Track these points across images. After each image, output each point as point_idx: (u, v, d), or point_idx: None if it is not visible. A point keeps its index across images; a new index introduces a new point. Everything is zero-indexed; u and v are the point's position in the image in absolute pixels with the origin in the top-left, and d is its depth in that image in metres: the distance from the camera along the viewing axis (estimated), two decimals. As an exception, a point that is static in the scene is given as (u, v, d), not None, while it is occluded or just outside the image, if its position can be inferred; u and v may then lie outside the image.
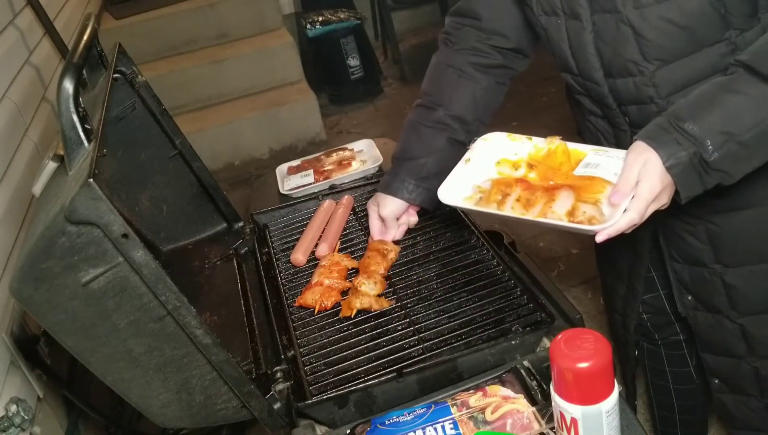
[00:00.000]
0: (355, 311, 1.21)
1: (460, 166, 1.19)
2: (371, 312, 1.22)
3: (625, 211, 1.00)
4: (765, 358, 1.32)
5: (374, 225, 1.39)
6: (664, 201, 1.02)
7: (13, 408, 1.35)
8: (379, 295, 1.24)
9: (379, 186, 1.38)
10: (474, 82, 1.33)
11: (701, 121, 0.97)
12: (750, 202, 1.18)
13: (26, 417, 1.36)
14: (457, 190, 1.16)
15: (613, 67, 1.12)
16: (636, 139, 1.03)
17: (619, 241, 1.39)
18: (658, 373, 1.68)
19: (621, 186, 1.01)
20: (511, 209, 1.09)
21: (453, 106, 1.32)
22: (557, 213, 1.06)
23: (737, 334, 1.31)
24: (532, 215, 1.07)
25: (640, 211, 0.99)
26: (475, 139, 1.23)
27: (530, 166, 1.16)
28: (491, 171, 1.19)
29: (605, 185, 1.06)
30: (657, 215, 1.25)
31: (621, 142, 1.22)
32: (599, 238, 1.01)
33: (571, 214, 1.06)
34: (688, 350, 1.59)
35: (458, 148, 1.31)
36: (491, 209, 1.10)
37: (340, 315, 1.22)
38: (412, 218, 1.40)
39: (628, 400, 1.81)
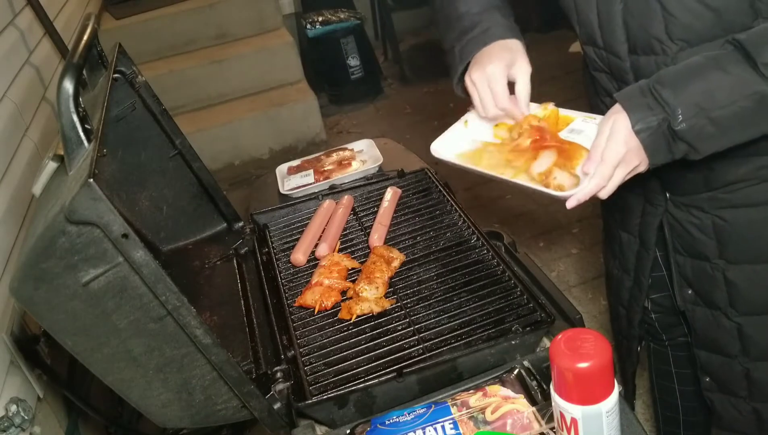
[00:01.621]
0: (354, 316, 1.21)
1: (459, 126, 1.23)
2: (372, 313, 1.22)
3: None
4: (758, 360, 1.31)
5: (498, 90, 1.17)
6: (633, 164, 1.01)
7: (13, 408, 1.35)
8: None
9: (478, 42, 1.20)
10: None
11: (679, 90, 0.97)
12: (762, 199, 1.18)
13: (26, 417, 1.36)
14: (451, 146, 1.20)
15: (638, 43, 1.11)
16: (615, 99, 1.03)
17: (627, 229, 1.39)
18: (664, 374, 1.67)
19: (592, 153, 1.02)
20: (493, 168, 1.13)
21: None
22: (533, 173, 1.09)
23: (733, 333, 1.31)
24: (508, 175, 1.10)
25: (604, 175, 1.00)
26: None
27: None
28: (488, 134, 1.22)
29: (584, 153, 1.08)
30: (664, 205, 1.24)
31: None
32: (569, 204, 1.02)
33: (545, 175, 1.09)
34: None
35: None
36: (475, 166, 1.14)
37: (339, 317, 1.22)
38: None
39: (626, 397, 1.80)
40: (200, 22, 4.05)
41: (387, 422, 1.01)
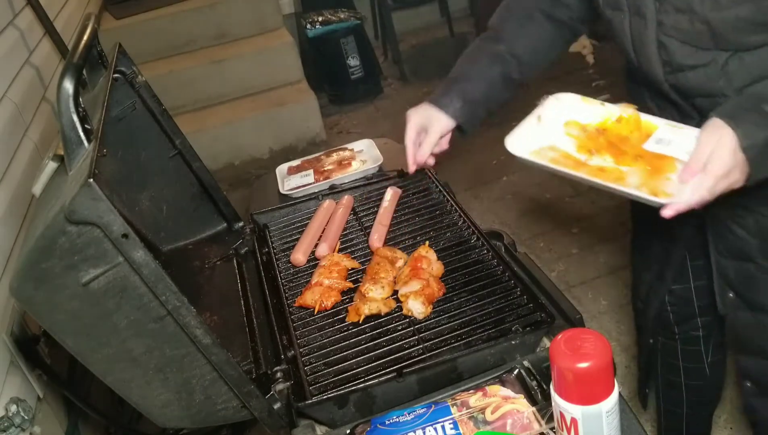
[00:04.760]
0: (363, 317, 1.20)
1: (531, 121, 1.21)
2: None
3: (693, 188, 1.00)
4: None
5: (410, 136, 1.37)
6: (735, 178, 1.00)
7: (13, 408, 1.35)
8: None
9: (429, 99, 1.38)
10: (540, 28, 1.35)
11: None
12: None
13: (26, 417, 1.36)
14: (526, 143, 1.17)
15: (672, 65, 1.11)
16: (713, 117, 1.02)
17: (658, 225, 1.38)
18: (671, 368, 1.67)
19: (692, 163, 1.01)
20: (584, 172, 1.10)
21: (515, 44, 1.35)
22: (630, 183, 1.07)
23: None
24: (604, 180, 1.08)
25: (709, 188, 0.99)
26: (547, 97, 1.24)
27: (599, 132, 1.18)
28: (560, 131, 1.20)
29: (676, 165, 1.07)
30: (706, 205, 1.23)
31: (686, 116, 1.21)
32: (667, 213, 1.01)
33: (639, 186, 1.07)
34: (704, 347, 1.59)
35: (509, 83, 1.37)
36: (560, 167, 1.11)
37: (347, 320, 1.22)
38: (444, 146, 1.41)
39: (639, 388, 1.81)
40: (200, 22, 4.04)
41: (387, 422, 1.01)
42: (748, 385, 1.40)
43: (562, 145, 1.17)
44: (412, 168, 1.39)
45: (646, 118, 1.16)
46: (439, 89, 1.39)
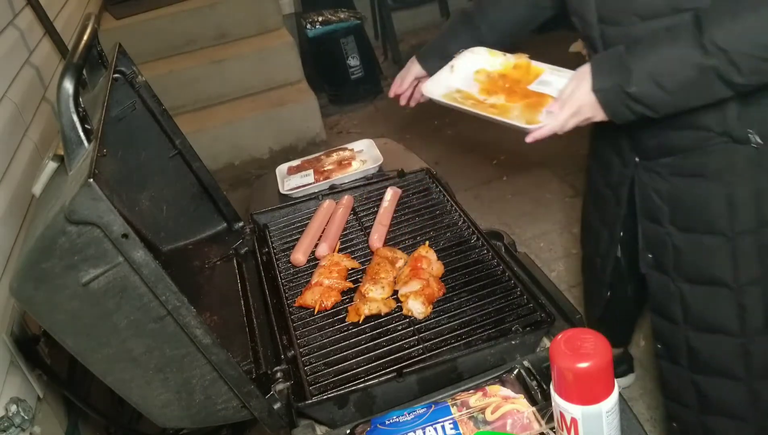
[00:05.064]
0: (363, 317, 1.20)
1: (446, 70, 1.45)
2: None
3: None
4: (696, 330, 1.36)
5: (401, 74, 1.61)
6: (587, 115, 1.17)
7: (13, 408, 1.35)
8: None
9: (417, 53, 1.61)
10: (514, 3, 1.52)
11: (638, 58, 1.10)
12: (709, 171, 1.24)
13: (26, 417, 1.36)
14: (439, 88, 1.41)
15: (605, 14, 1.21)
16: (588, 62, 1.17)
17: (609, 185, 1.48)
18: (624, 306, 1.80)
19: (558, 99, 1.20)
20: (479, 109, 1.31)
21: (489, 13, 1.53)
22: (512, 116, 1.29)
23: (676, 299, 1.36)
24: (488, 113, 1.30)
25: (560, 121, 1.18)
26: (462, 51, 1.47)
27: (501, 77, 1.41)
28: (470, 78, 1.43)
29: (551, 101, 1.26)
30: (634, 165, 1.36)
31: None
32: (528, 140, 1.22)
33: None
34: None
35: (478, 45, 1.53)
36: (459, 105, 1.34)
37: (347, 320, 1.22)
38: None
39: None
40: (200, 22, 4.04)
41: (387, 422, 1.01)
42: (659, 346, 1.47)
43: (467, 89, 1.41)
44: (391, 93, 1.64)
45: (536, 64, 1.39)
46: (426, 44, 1.61)
